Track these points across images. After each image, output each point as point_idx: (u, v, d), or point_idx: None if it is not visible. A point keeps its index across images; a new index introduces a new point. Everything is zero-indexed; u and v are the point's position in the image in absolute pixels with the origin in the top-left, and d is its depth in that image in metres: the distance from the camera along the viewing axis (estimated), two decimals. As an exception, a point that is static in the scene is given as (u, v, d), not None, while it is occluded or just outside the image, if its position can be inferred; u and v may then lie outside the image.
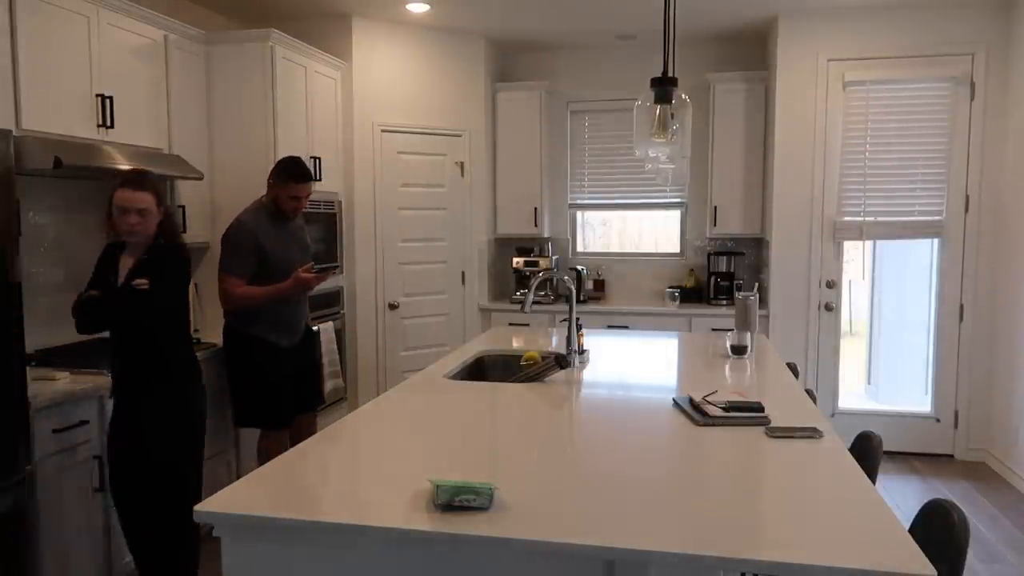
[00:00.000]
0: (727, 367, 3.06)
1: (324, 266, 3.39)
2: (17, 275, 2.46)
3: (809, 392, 2.71)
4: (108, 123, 3.22)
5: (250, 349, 3.38)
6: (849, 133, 4.84)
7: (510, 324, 5.33)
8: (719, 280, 5.38)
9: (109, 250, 2.78)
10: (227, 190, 3.76)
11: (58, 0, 2.98)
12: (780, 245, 4.97)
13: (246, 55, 3.95)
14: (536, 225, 5.58)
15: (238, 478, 1.92)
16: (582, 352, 3.16)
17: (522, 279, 5.64)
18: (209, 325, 3.82)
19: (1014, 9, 4.52)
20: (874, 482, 1.92)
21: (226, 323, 3.42)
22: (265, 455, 3.44)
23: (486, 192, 5.53)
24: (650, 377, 2.91)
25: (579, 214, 5.95)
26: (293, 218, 3.48)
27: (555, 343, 3.61)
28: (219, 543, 1.57)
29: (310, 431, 3.60)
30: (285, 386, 3.46)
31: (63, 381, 2.83)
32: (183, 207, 3.71)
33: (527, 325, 5.17)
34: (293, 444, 3.37)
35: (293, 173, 3.37)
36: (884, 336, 5.17)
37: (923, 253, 4.93)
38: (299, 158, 3.50)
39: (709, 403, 2.27)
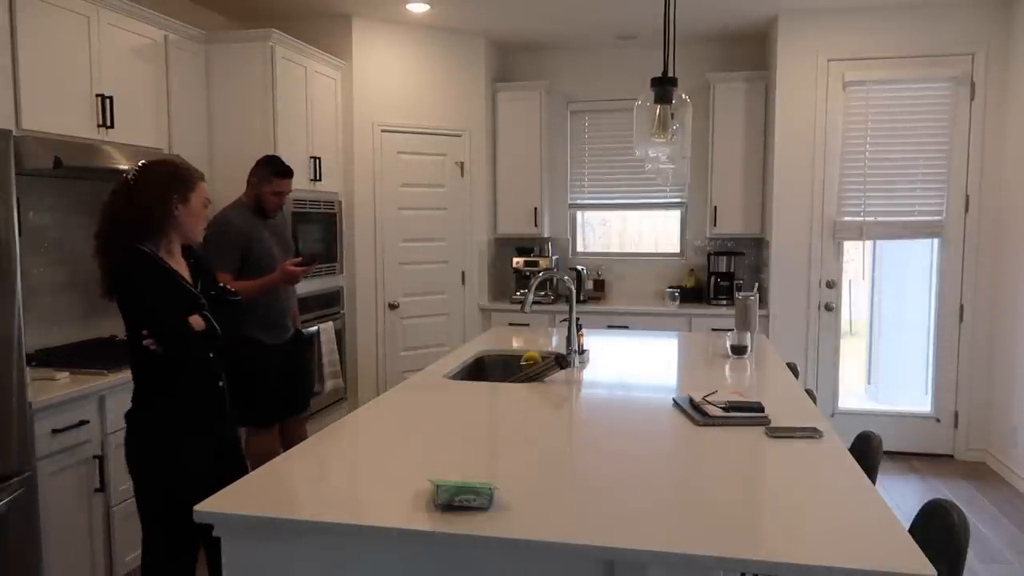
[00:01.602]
0: (727, 367, 3.06)
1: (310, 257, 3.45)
2: (17, 275, 2.46)
3: (809, 392, 2.71)
4: (108, 123, 3.22)
5: (236, 347, 3.38)
6: (849, 133, 4.84)
7: (510, 324, 5.33)
8: (719, 280, 5.38)
9: (150, 255, 2.26)
10: (227, 190, 3.74)
11: (58, 0, 2.98)
12: (780, 245, 4.97)
13: (246, 55, 3.95)
14: (536, 225, 5.58)
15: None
16: (582, 352, 3.16)
17: (522, 279, 5.64)
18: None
19: (1014, 9, 4.52)
20: (874, 482, 1.92)
21: None
22: (256, 456, 3.45)
23: (486, 192, 5.53)
24: (650, 377, 2.90)
25: (579, 214, 5.95)
26: (274, 215, 3.52)
27: (555, 343, 3.61)
28: (219, 543, 1.57)
29: (299, 435, 3.59)
30: (272, 384, 3.46)
31: (63, 381, 2.83)
32: (183, 207, 3.71)
33: (527, 325, 5.17)
34: (284, 448, 3.39)
35: (277, 169, 3.43)
36: (884, 336, 5.17)
37: (923, 253, 4.93)
38: (278, 156, 3.57)
39: (709, 403, 2.27)
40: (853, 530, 1.43)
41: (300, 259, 3.41)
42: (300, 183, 4.24)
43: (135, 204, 2.23)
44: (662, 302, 5.52)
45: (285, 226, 3.68)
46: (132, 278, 2.21)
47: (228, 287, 2.54)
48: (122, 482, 3.00)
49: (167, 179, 2.29)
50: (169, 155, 2.72)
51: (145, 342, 2.21)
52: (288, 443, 3.49)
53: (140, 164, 2.35)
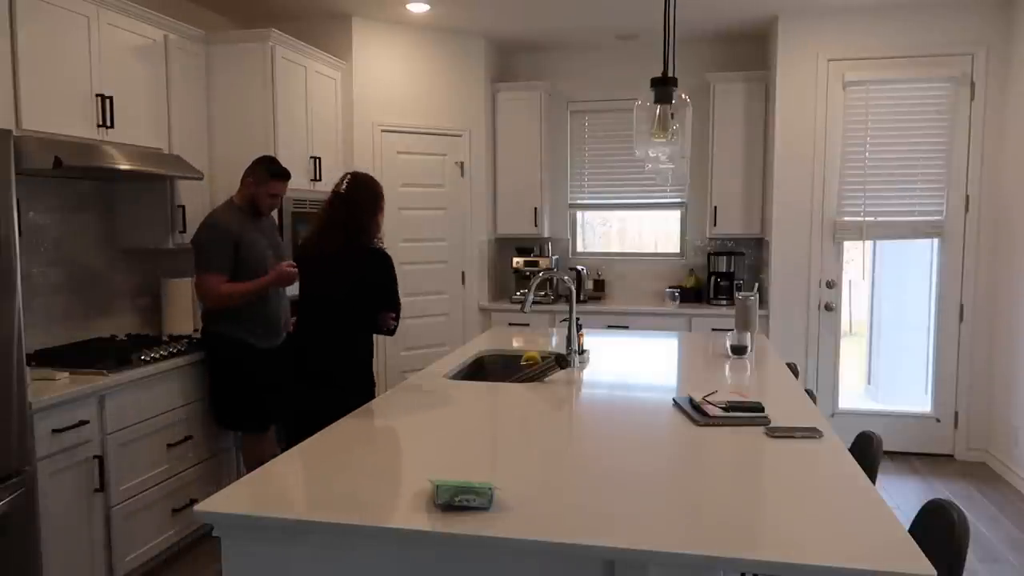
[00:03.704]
0: (727, 367, 3.06)
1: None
2: (17, 275, 2.46)
3: (809, 392, 2.71)
4: (108, 123, 3.22)
5: (230, 351, 3.38)
6: (849, 133, 4.84)
7: (510, 324, 5.33)
8: (719, 280, 5.38)
9: None
10: (227, 190, 3.74)
11: (58, 0, 2.98)
12: (780, 245, 4.96)
13: (246, 55, 3.95)
14: (536, 225, 5.58)
15: (238, 478, 1.92)
16: (582, 352, 3.16)
17: (522, 279, 5.64)
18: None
19: (1014, 9, 4.52)
20: (874, 482, 1.92)
21: (205, 325, 3.41)
22: (251, 458, 3.45)
23: (486, 192, 5.53)
24: (650, 377, 2.90)
25: (579, 214, 5.95)
26: (267, 216, 3.53)
27: (555, 343, 3.61)
28: (219, 543, 1.57)
29: None
30: (267, 389, 3.45)
31: (63, 381, 2.83)
32: (183, 207, 3.71)
33: (527, 325, 5.17)
34: (281, 452, 3.38)
35: (276, 172, 3.43)
36: (884, 336, 5.17)
37: (923, 253, 4.93)
38: (275, 158, 3.59)
39: (709, 403, 2.27)
40: (853, 530, 1.43)
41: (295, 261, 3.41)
42: (300, 183, 4.24)
43: (352, 211, 2.88)
44: (662, 302, 5.52)
45: (274, 227, 3.68)
46: (390, 271, 2.89)
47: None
48: (122, 482, 3.01)
49: (372, 192, 2.95)
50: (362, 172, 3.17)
51: (392, 321, 2.96)
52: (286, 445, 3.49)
53: (349, 177, 2.98)
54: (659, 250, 5.85)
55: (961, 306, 4.79)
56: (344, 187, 2.94)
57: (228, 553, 1.56)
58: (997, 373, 4.66)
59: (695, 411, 2.25)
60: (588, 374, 2.94)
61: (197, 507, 1.56)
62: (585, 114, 5.79)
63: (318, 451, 1.95)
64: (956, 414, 4.84)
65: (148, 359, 3.16)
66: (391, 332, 3.04)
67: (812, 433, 2.05)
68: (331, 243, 2.88)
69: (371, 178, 3.04)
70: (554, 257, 5.76)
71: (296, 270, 3.32)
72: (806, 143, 4.87)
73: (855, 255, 5.04)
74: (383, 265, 2.91)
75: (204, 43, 3.93)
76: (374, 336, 3.02)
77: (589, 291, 5.70)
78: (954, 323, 4.81)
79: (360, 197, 2.93)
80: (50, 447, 2.64)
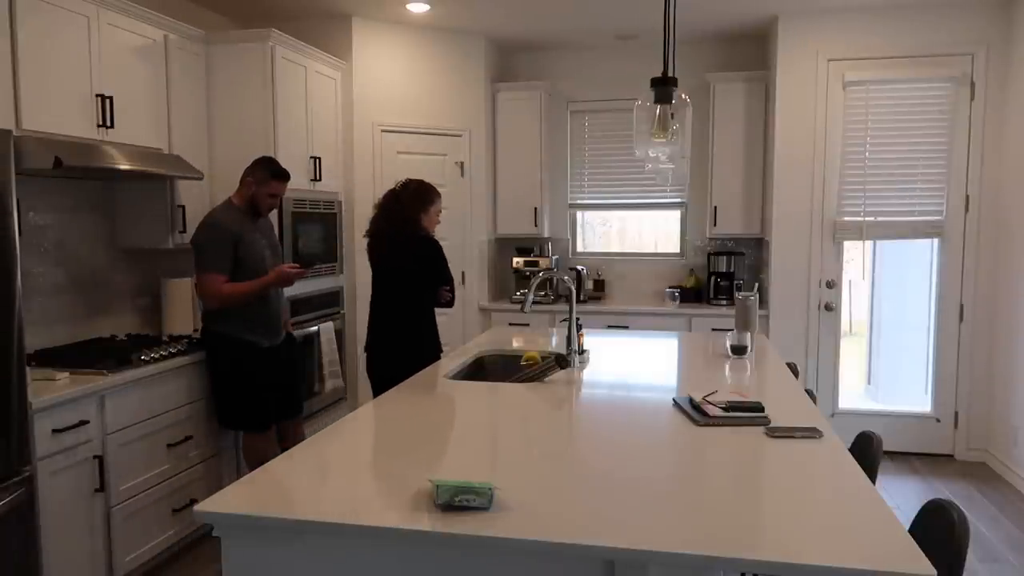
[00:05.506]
0: (727, 367, 3.06)
1: (308, 259, 3.50)
2: (17, 275, 2.46)
3: (809, 392, 2.71)
4: (108, 123, 3.22)
5: (231, 350, 3.38)
6: (849, 133, 4.84)
7: (510, 324, 5.33)
8: (719, 280, 5.38)
9: None
10: (227, 190, 3.74)
11: (58, 0, 2.98)
12: (780, 245, 4.96)
13: (246, 55, 3.95)
14: (536, 225, 5.58)
15: (238, 478, 1.92)
16: (582, 352, 3.16)
17: (522, 279, 5.64)
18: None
19: (1014, 9, 4.52)
20: (874, 482, 1.92)
21: (205, 325, 3.42)
22: (252, 458, 3.44)
23: (486, 192, 5.53)
24: (650, 377, 2.90)
25: (579, 214, 5.95)
26: (265, 216, 3.53)
27: (555, 343, 3.61)
28: (219, 543, 1.57)
29: (296, 437, 3.60)
30: (267, 388, 3.45)
31: (63, 381, 2.83)
32: (183, 207, 3.71)
33: (527, 325, 5.17)
34: (282, 451, 3.39)
35: (277, 172, 3.44)
36: (884, 336, 5.17)
37: (923, 253, 4.93)
38: (274, 158, 3.62)
39: (709, 403, 2.27)
40: (853, 530, 1.43)
41: (296, 263, 3.42)
42: (300, 183, 4.24)
43: (402, 209, 3.44)
44: (662, 302, 5.52)
45: (272, 228, 3.68)
46: (440, 253, 3.46)
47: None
48: (122, 482, 3.01)
49: (414, 195, 3.48)
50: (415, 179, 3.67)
51: (448, 295, 3.53)
52: (286, 445, 3.49)
53: (403, 182, 3.55)
54: (659, 250, 5.85)
55: (961, 306, 4.79)
56: (397, 186, 3.50)
57: (228, 553, 1.56)
58: (997, 373, 4.66)
59: (695, 411, 2.25)
60: (588, 374, 2.94)
61: (197, 507, 1.56)
62: (585, 114, 5.79)
63: (318, 451, 1.95)
64: (956, 414, 4.84)
65: (148, 359, 3.16)
66: (450, 304, 3.53)
67: (812, 433, 2.05)
68: (380, 227, 3.46)
69: (423, 182, 3.58)
70: (554, 257, 5.76)
71: (295, 271, 3.34)
72: (806, 143, 4.87)
73: (855, 255, 5.04)
74: (431, 248, 3.43)
75: (204, 43, 3.93)
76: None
77: (589, 291, 5.70)
78: (954, 323, 4.81)
79: (406, 195, 3.47)
80: (50, 447, 2.64)
